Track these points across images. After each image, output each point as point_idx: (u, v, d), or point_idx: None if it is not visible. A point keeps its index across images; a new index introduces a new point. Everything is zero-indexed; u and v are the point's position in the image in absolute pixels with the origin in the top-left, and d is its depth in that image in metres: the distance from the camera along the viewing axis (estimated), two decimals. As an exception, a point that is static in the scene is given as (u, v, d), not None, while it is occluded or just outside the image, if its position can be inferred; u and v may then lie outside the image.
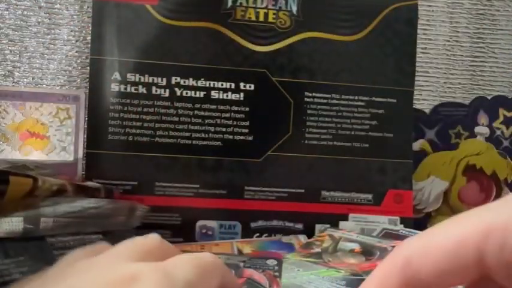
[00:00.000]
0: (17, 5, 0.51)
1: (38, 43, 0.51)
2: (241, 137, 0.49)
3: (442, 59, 0.57)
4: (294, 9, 0.49)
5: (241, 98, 0.49)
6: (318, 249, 0.39)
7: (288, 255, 0.39)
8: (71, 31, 0.51)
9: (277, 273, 0.35)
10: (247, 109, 0.49)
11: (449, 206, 0.57)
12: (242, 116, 0.49)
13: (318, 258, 0.38)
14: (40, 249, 0.31)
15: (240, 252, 0.40)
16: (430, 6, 0.56)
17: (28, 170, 0.40)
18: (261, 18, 0.49)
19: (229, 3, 0.49)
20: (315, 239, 0.42)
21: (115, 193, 0.43)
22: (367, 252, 0.38)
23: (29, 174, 0.32)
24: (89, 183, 0.42)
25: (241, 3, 0.49)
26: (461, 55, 0.57)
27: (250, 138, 0.49)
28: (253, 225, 0.48)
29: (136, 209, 0.41)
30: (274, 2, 0.49)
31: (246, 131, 0.49)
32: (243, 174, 0.49)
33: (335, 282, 0.33)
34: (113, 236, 0.37)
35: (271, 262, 0.38)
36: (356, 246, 0.38)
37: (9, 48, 0.51)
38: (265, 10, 0.49)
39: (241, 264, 0.36)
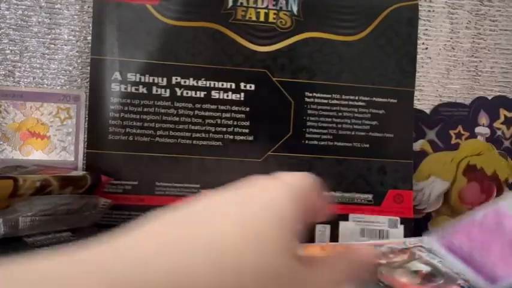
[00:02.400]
0: (17, 5, 0.51)
1: (38, 43, 0.51)
2: (242, 137, 0.49)
3: (442, 59, 0.57)
4: (295, 9, 0.49)
5: (242, 98, 0.49)
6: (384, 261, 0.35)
7: None
8: (72, 31, 0.51)
9: None
10: (247, 109, 0.49)
11: (450, 207, 0.57)
12: (242, 116, 0.49)
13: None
14: (18, 250, 0.31)
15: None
16: (430, 6, 0.56)
17: (10, 171, 0.40)
18: (262, 19, 0.49)
19: (230, 4, 0.49)
20: (400, 252, 0.37)
21: (102, 179, 0.43)
22: (431, 275, 0.33)
23: (8, 176, 0.32)
24: (73, 173, 0.42)
25: (242, 3, 0.49)
26: (462, 55, 0.57)
27: (251, 138, 0.49)
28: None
29: (99, 203, 0.41)
30: (275, 2, 0.49)
31: (247, 131, 0.49)
32: (244, 174, 0.48)
33: None
34: (82, 233, 0.37)
35: None
36: (426, 269, 0.34)
37: (10, 48, 0.51)
38: (266, 10, 0.49)
39: None
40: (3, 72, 0.51)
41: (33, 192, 0.34)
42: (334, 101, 0.50)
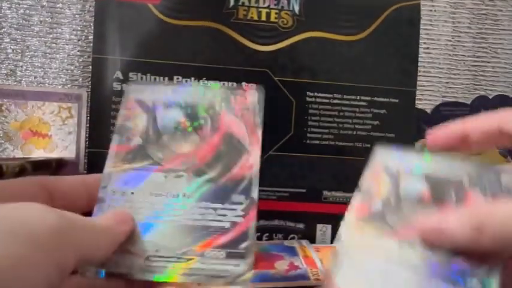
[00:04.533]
0: (19, 4, 0.51)
1: (40, 42, 0.51)
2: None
3: (444, 59, 0.57)
4: (296, 8, 0.49)
5: (243, 98, 0.49)
6: (378, 204, 0.28)
7: (346, 221, 0.28)
8: (73, 30, 0.51)
9: (258, 119, 0.31)
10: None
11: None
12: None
13: (381, 222, 0.27)
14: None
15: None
16: (432, 6, 0.56)
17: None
18: (263, 18, 0.49)
19: (232, 3, 0.49)
20: (371, 178, 0.30)
21: (68, 163, 0.47)
22: (439, 195, 0.28)
23: None
24: (41, 158, 0.49)
25: (243, 2, 0.49)
26: (464, 55, 0.57)
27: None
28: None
29: None
30: (277, 2, 0.49)
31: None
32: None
33: (414, 272, 0.24)
34: None
35: (251, 96, 0.32)
36: (423, 187, 0.28)
37: (12, 47, 0.51)
38: (268, 10, 0.49)
39: (218, 107, 0.31)
40: (5, 71, 0.51)
41: (14, 175, 0.42)
42: (336, 101, 0.50)
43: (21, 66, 0.51)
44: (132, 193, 0.27)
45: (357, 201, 0.28)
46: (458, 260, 0.24)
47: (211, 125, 0.30)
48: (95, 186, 0.27)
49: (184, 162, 0.28)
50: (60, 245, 0.19)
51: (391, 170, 0.30)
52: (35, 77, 0.52)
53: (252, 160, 0.29)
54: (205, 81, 0.48)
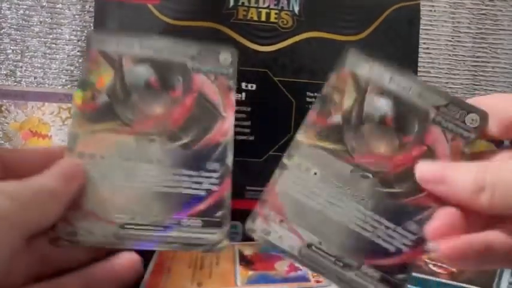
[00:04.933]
0: (19, 5, 0.51)
1: (40, 42, 0.51)
2: (243, 137, 0.49)
3: (444, 59, 0.57)
4: (296, 9, 0.49)
5: (243, 98, 0.49)
6: (338, 116, 0.27)
7: (301, 133, 0.28)
8: (73, 30, 0.51)
9: (231, 82, 0.30)
10: (248, 109, 0.49)
11: (451, 206, 0.57)
12: (243, 116, 0.49)
13: (339, 144, 0.26)
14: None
15: (242, 255, 0.40)
16: (432, 6, 0.56)
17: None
18: (263, 18, 0.49)
19: (231, 3, 0.49)
20: (336, 83, 0.29)
21: None
22: (401, 123, 0.26)
23: None
24: None
25: (243, 3, 0.49)
26: (463, 55, 0.57)
27: (252, 138, 0.49)
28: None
29: None
30: (276, 2, 0.49)
31: (247, 131, 0.49)
32: (244, 174, 0.49)
33: (360, 211, 0.25)
34: None
35: (224, 59, 0.30)
36: (388, 109, 0.26)
37: (11, 47, 0.51)
38: (267, 10, 0.49)
39: (190, 64, 0.29)
40: (5, 72, 0.51)
41: None
42: (336, 101, 0.50)
43: (21, 67, 0.51)
44: (102, 157, 0.26)
45: (314, 109, 0.28)
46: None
47: (183, 86, 0.28)
48: (60, 156, 0.26)
49: (156, 125, 0.27)
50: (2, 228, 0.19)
51: (360, 81, 0.28)
52: (35, 78, 0.52)
53: (226, 126, 0.28)
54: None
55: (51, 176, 0.23)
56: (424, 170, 0.24)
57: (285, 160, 0.28)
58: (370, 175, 0.25)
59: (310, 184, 0.26)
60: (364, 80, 0.28)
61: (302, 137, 0.27)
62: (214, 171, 0.27)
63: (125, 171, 0.26)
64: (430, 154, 0.25)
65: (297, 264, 0.26)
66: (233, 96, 0.29)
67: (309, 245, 0.25)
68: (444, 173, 0.23)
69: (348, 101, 0.27)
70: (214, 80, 0.29)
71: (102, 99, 0.27)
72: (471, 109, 0.26)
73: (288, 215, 0.26)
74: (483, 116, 0.26)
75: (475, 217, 0.22)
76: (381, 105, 0.27)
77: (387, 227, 0.25)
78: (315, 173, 0.26)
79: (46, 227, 0.22)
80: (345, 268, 0.25)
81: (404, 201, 0.25)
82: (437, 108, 0.26)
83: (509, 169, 0.21)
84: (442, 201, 0.23)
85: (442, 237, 0.22)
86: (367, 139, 0.26)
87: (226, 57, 0.30)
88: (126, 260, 0.24)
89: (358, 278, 0.24)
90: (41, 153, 0.26)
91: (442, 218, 0.23)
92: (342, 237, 0.25)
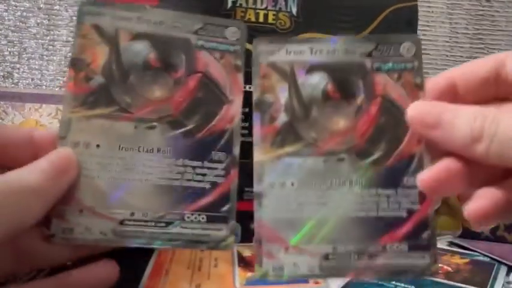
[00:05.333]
0: (16, 6, 0.51)
1: (37, 44, 0.51)
2: (242, 138, 0.49)
3: (441, 60, 0.57)
4: (294, 10, 0.49)
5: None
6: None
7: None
8: (70, 32, 0.51)
9: (239, 62, 0.26)
10: (247, 110, 0.49)
11: (449, 206, 0.57)
12: (242, 117, 0.49)
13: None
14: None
15: (241, 256, 0.39)
16: (429, 7, 0.56)
17: None
18: (261, 19, 0.49)
19: (229, 4, 0.49)
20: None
21: None
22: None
23: None
24: None
25: (241, 4, 0.49)
26: (461, 56, 0.57)
27: (250, 139, 0.49)
28: (253, 226, 0.48)
29: None
30: (274, 3, 0.49)
31: (246, 132, 0.49)
32: (243, 175, 0.48)
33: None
34: None
35: (232, 35, 0.26)
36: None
37: (9, 49, 0.51)
38: (265, 11, 0.49)
39: (193, 40, 0.25)
40: (2, 74, 0.51)
41: None
42: (334, 102, 0.50)
43: (18, 69, 0.51)
44: (98, 146, 0.23)
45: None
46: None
47: (186, 65, 0.25)
48: (45, 140, 0.23)
49: (157, 110, 0.24)
50: None
51: (284, 68, 0.25)
52: (32, 79, 0.51)
53: (233, 111, 0.26)
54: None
55: (37, 171, 0.20)
56: (418, 110, 0.21)
57: None
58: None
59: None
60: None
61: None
62: (219, 161, 0.25)
63: (122, 161, 0.23)
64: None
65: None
66: (241, 78, 0.26)
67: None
68: (442, 117, 0.20)
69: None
70: (220, 59, 0.25)
71: (98, 80, 0.24)
72: (401, 39, 0.25)
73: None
74: (415, 40, 0.25)
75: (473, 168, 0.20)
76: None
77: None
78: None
79: (29, 225, 0.20)
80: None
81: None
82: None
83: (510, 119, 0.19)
84: None
85: (436, 186, 0.20)
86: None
87: (235, 32, 0.26)
88: (103, 269, 0.22)
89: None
90: (23, 133, 0.23)
91: (438, 168, 0.20)
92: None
